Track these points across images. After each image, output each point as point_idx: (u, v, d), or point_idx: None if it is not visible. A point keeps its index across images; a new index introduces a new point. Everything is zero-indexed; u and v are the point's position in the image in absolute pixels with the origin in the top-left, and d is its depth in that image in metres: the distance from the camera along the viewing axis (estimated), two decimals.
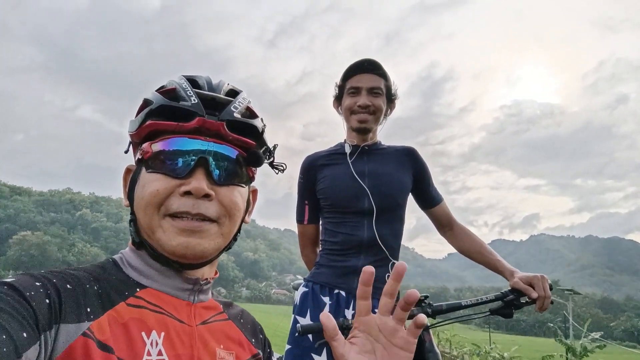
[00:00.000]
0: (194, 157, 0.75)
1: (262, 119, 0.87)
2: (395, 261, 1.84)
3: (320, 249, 1.99)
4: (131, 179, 0.81)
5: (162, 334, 0.71)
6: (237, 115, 0.80)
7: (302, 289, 1.90)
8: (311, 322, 1.75)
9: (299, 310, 1.84)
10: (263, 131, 0.86)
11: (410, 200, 2.02)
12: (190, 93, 0.77)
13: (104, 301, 0.68)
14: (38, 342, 0.56)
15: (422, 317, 0.70)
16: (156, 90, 0.81)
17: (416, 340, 0.71)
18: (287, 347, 1.77)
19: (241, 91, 0.87)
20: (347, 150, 1.93)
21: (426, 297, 1.66)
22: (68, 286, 0.65)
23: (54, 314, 0.60)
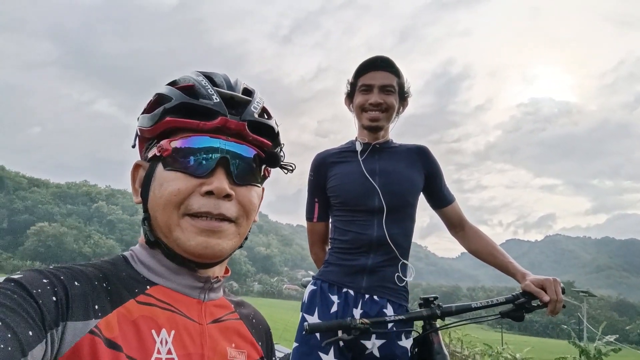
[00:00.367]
0: (215, 157, 0.74)
1: (275, 120, 0.87)
2: (405, 261, 1.83)
3: (330, 247, 1.97)
4: (145, 176, 0.79)
5: (172, 332, 0.71)
6: (256, 115, 0.80)
7: (310, 287, 1.89)
8: (319, 321, 1.75)
9: (307, 309, 1.83)
10: (278, 132, 0.86)
11: (423, 199, 2.00)
12: (211, 91, 0.76)
13: (113, 298, 0.68)
14: (44, 341, 0.56)
15: None
16: (171, 86, 0.80)
17: None
18: (295, 344, 1.77)
19: (254, 90, 0.86)
20: (358, 148, 1.92)
21: (435, 298, 1.65)
22: (76, 283, 0.64)
23: (60, 311, 0.60)
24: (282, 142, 0.89)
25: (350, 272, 1.81)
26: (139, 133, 0.82)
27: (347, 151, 1.96)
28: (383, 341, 1.72)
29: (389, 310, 1.75)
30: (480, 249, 1.93)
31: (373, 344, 1.71)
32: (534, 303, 1.60)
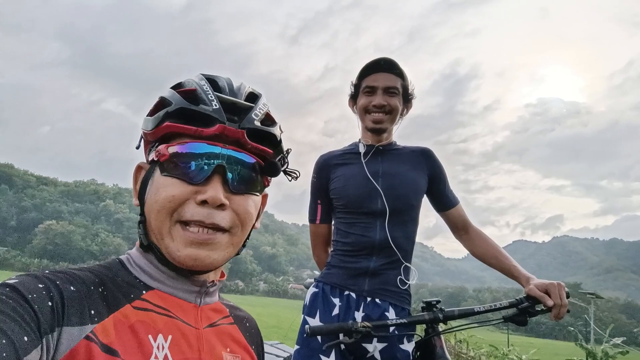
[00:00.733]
0: (211, 164, 0.73)
1: (280, 126, 0.86)
2: (407, 264, 1.81)
3: (332, 249, 1.97)
4: (143, 179, 0.79)
5: (169, 337, 0.70)
6: (257, 122, 0.78)
7: (312, 290, 1.88)
8: (320, 324, 1.74)
9: (309, 311, 1.82)
10: (281, 139, 0.85)
11: (427, 201, 1.99)
12: (211, 97, 0.75)
13: (109, 303, 0.67)
14: (40, 346, 0.55)
15: None
16: (174, 89, 0.79)
17: None
18: (296, 347, 1.76)
19: (260, 95, 0.84)
20: (362, 150, 1.91)
21: (438, 301, 1.63)
22: (72, 288, 0.64)
23: (56, 316, 0.59)
24: (287, 148, 0.88)
25: (353, 274, 1.80)
26: (142, 135, 0.82)
27: (350, 153, 1.95)
28: (385, 345, 1.71)
29: (391, 314, 1.74)
30: (484, 252, 1.91)
31: (374, 348, 1.70)
32: (538, 307, 1.59)
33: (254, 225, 0.85)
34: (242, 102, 0.78)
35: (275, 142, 0.83)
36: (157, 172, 0.76)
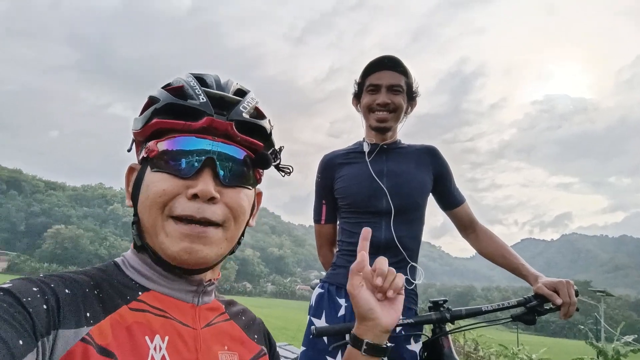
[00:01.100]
0: (201, 157, 0.73)
1: (269, 120, 0.85)
2: (413, 264, 1.80)
3: (337, 249, 1.95)
4: (135, 179, 0.79)
5: (166, 338, 0.70)
6: (245, 115, 0.78)
7: (317, 290, 1.87)
8: (326, 324, 1.73)
9: (314, 312, 1.81)
10: (271, 132, 0.84)
11: (434, 200, 1.98)
12: (198, 91, 0.76)
13: (105, 305, 0.67)
14: (35, 349, 0.55)
15: (399, 280, 0.88)
16: (163, 88, 0.79)
17: (402, 297, 0.90)
18: (302, 348, 1.75)
19: (249, 91, 0.85)
20: (366, 149, 1.89)
21: (445, 301, 1.61)
22: (67, 291, 0.64)
23: (52, 319, 0.59)
24: (281, 145, 0.88)
25: None
26: (133, 136, 0.82)
27: (355, 152, 1.94)
28: (391, 345, 1.69)
29: None
30: (492, 250, 1.89)
31: None
32: (547, 306, 1.56)
33: (248, 222, 0.84)
34: (230, 95, 0.78)
35: (265, 135, 0.82)
36: (148, 169, 0.75)
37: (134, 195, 0.78)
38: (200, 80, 0.80)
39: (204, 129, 0.74)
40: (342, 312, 1.75)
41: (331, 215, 1.98)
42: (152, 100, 0.78)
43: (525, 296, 1.61)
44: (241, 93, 0.83)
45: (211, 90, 0.77)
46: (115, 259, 0.80)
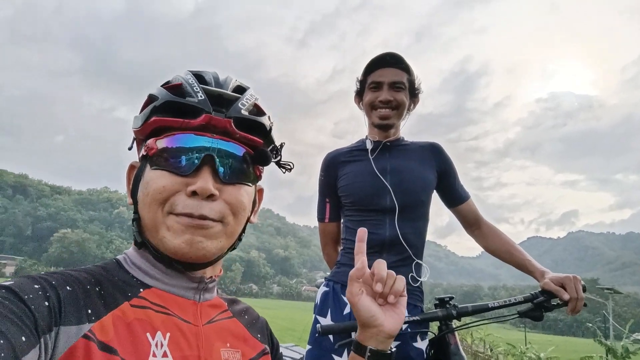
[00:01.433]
0: (199, 155, 0.73)
1: (269, 117, 0.85)
2: (419, 261, 1.79)
3: (341, 247, 1.95)
4: (135, 176, 0.79)
5: (168, 334, 0.70)
6: (244, 112, 0.78)
7: (322, 289, 1.86)
8: (332, 323, 1.72)
9: (320, 310, 1.80)
10: (270, 129, 0.84)
11: (438, 198, 1.96)
12: (196, 89, 0.76)
13: (107, 302, 0.67)
14: (38, 346, 0.55)
15: (399, 284, 0.84)
16: (162, 86, 0.79)
17: (404, 300, 0.86)
18: (308, 347, 1.74)
19: (248, 88, 0.84)
20: (369, 146, 1.88)
21: (451, 298, 1.60)
22: (68, 288, 0.64)
23: (53, 316, 0.59)
24: (281, 142, 0.87)
25: None
26: (134, 134, 0.82)
27: (358, 150, 1.93)
28: (397, 342, 1.68)
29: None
30: (497, 247, 1.88)
31: None
32: (554, 302, 1.55)
33: (249, 218, 0.84)
34: (229, 92, 0.78)
35: (264, 132, 0.82)
36: (148, 167, 0.76)
37: (134, 193, 0.78)
38: (199, 77, 0.80)
39: (202, 126, 0.74)
40: (347, 310, 1.74)
41: (335, 213, 1.97)
42: (151, 99, 0.78)
43: (532, 292, 1.60)
44: (240, 90, 0.82)
45: (209, 88, 0.77)
46: (117, 257, 0.80)
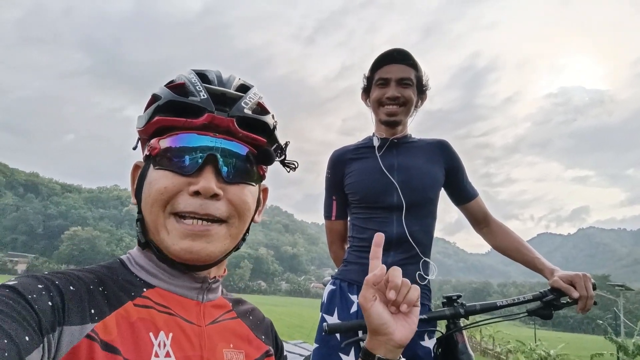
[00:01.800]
0: (202, 154, 0.73)
1: (273, 115, 0.84)
2: (426, 259, 1.77)
3: (348, 245, 1.93)
4: (139, 176, 0.79)
5: (170, 334, 0.70)
6: (247, 111, 0.77)
7: (329, 287, 1.85)
8: (339, 321, 1.71)
9: (327, 309, 1.79)
10: (274, 128, 0.83)
11: (447, 195, 1.95)
12: (199, 88, 0.75)
13: (110, 302, 0.67)
14: (41, 345, 0.55)
15: (413, 293, 0.80)
16: (165, 85, 0.79)
17: (417, 310, 0.83)
18: (315, 345, 1.74)
19: (252, 86, 0.84)
20: (376, 143, 1.86)
21: (459, 296, 1.59)
22: (71, 288, 0.64)
23: (57, 316, 0.59)
24: (287, 141, 0.87)
25: None
26: (138, 134, 0.82)
27: (365, 147, 1.91)
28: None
29: None
30: (506, 245, 1.86)
31: None
32: (563, 300, 1.53)
33: (253, 218, 0.83)
34: (232, 91, 0.77)
35: (268, 131, 0.81)
36: (151, 167, 0.75)
37: (138, 193, 0.78)
38: (202, 76, 0.79)
39: (205, 125, 0.73)
40: (354, 308, 1.73)
41: (342, 211, 1.96)
42: (154, 98, 0.78)
43: (541, 290, 1.58)
44: (244, 88, 0.82)
45: (212, 87, 0.76)
46: (121, 256, 0.80)
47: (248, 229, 0.83)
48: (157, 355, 0.66)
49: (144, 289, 0.74)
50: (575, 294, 1.48)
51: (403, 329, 0.80)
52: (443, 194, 1.91)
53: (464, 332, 1.56)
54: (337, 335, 1.66)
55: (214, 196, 0.72)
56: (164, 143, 0.74)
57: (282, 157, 0.87)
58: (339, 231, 2.00)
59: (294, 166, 0.89)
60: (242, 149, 0.77)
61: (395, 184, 1.77)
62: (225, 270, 0.88)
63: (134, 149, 0.84)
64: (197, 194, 0.71)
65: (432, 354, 1.65)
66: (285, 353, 0.99)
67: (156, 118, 0.74)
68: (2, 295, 0.56)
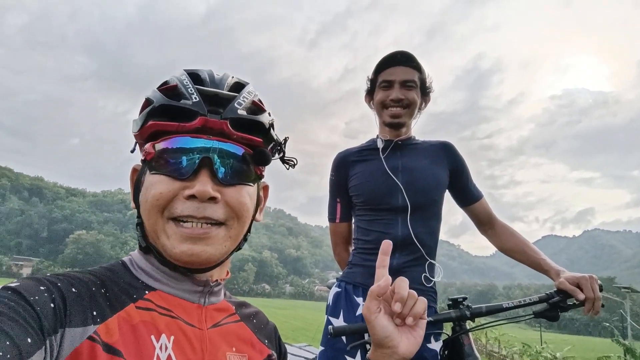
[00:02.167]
0: (197, 157, 0.72)
1: (269, 113, 0.83)
2: (432, 261, 1.77)
3: (353, 247, 1.93)
4: (136, 180, 0.79)
5: (172, 337, 0.70)
6: (241, 112, 0.76)
7: (334, 289, 1.85)
8: (344, 324, 1.71)
9: (332, 311, 1.79)
10: (271, 126, 0.82)
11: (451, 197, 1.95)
12: (191, 90, 0.74)
13: (112, 304, 0.67)
14: (43, 348, 0.55)
15: (420, 306, 0.78)
16: (157, 87, 0.78)
17: (424, 323, 0.80)
18: (320, 348, 1.73)
19: (247, 84, 0.82)
20: (380, 145, 1.86)
21: (465, 298, 1.58)
22: (73, 290, 0.64)
23: (58, 318, 0.59)
24: (285, 137, 0.86)
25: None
26: (134, 138, 0.82)
27: (369, 149, 1.91)
28: None
29: None
30: (511, 246, 1.85)
31: None
32: (570, 302, 1.52)
33: (254, 217, 0.82)
34: (225, 92, 0.76)
35: (264, 130, 0.80)
36: (147, 171, 0.75)
37: (136, 197, 0.77)
38: (195, 77, 0.78)
39: (198, 129, 0.72)
40: (359, 311, 1.73)
41: (346, 213, 1.96)
42: (147, 102, 0.77)
43: (547, 292, 1.57)
44: (238, 87, 0.80)
45: (205, 88, 0.75)
46: (123, 258, 0.80)
47: (249, 228, 0.82)
48: (158, 358, 0.66)
49: (146, 292, 0.73)
50: (582, 296, 1.47)
51: (408, 342, 0.78)
52: (447, 196, 1.91)
53: (470, 334, 1.55)
54: (343, 337, 1.66)
55: (212, 199, 0.71)
56: (159, 147, 0.73)
57: (281, 154, 0.86)
58: (344, 233, 1.99)
59: (292, 163, 0.88)
60: (238, 150, 0.75)
61: (400, 186, 1.77)
62: (228, 273, 0.87)
63: (132, 152, 0.84)
64: (192, 197, 0.71)
65: (439, 357, 1.64)
66: (288, 358, 0.98)
67: (150, 122, 0.74)
68: (4, 297, 0.56)
